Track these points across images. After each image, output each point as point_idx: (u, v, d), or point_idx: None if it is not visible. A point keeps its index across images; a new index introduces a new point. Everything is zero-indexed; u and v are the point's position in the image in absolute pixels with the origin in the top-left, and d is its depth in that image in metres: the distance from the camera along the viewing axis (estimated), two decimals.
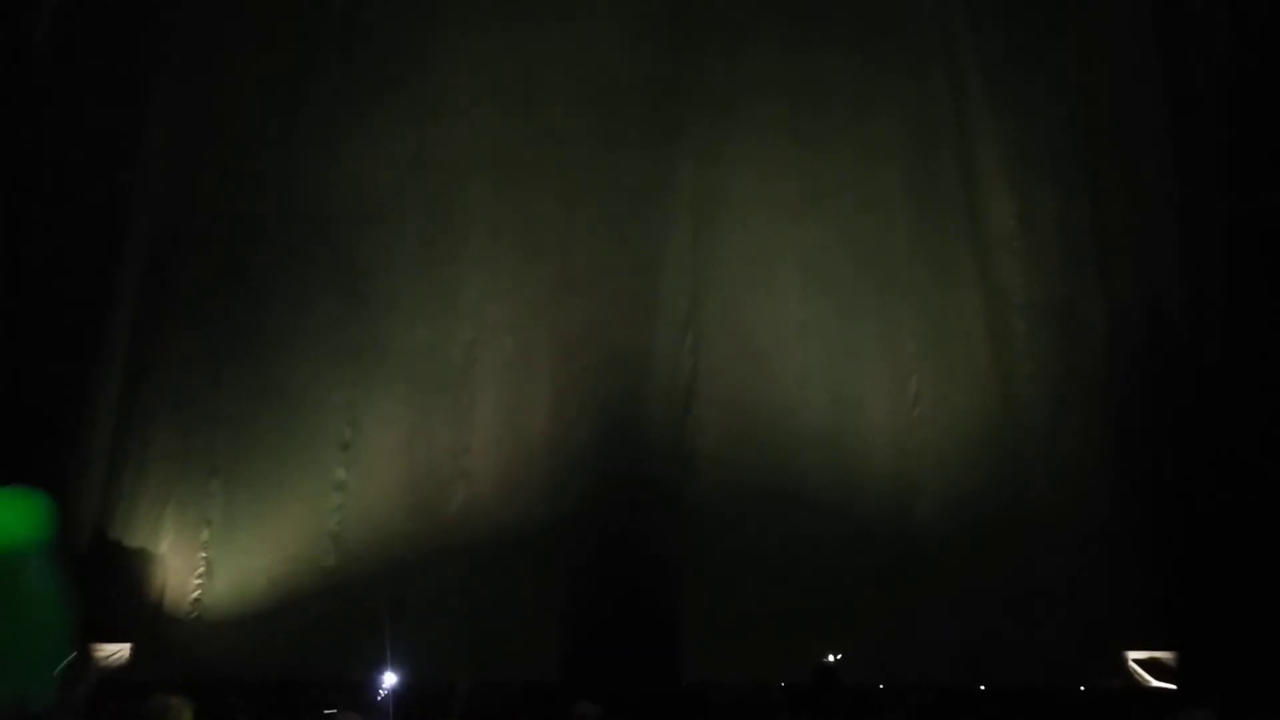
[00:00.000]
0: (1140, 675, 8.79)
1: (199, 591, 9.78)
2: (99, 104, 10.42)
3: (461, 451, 9.97)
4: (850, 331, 9.94)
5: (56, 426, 9.78)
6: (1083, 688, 8.71)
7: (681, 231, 10.19)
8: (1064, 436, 9.35)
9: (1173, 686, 8.62)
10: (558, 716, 5.80)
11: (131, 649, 9.41)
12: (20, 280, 10.04)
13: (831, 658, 8.45)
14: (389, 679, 7.45)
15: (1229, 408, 8.89)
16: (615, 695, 6.78)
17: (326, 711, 5.24)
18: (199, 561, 9.84)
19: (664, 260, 10.14)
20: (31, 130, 10.29)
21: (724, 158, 10.25)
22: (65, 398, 9.88)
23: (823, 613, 8.99)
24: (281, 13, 10.74)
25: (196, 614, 9.72)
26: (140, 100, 10.55)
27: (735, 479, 9.59)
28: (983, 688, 8.69)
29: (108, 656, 9.33)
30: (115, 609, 9.42)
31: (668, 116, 10.28)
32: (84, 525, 9.64)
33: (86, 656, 9.15)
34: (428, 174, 10.41)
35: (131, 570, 9.66)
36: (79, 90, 10.42)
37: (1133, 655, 8.85)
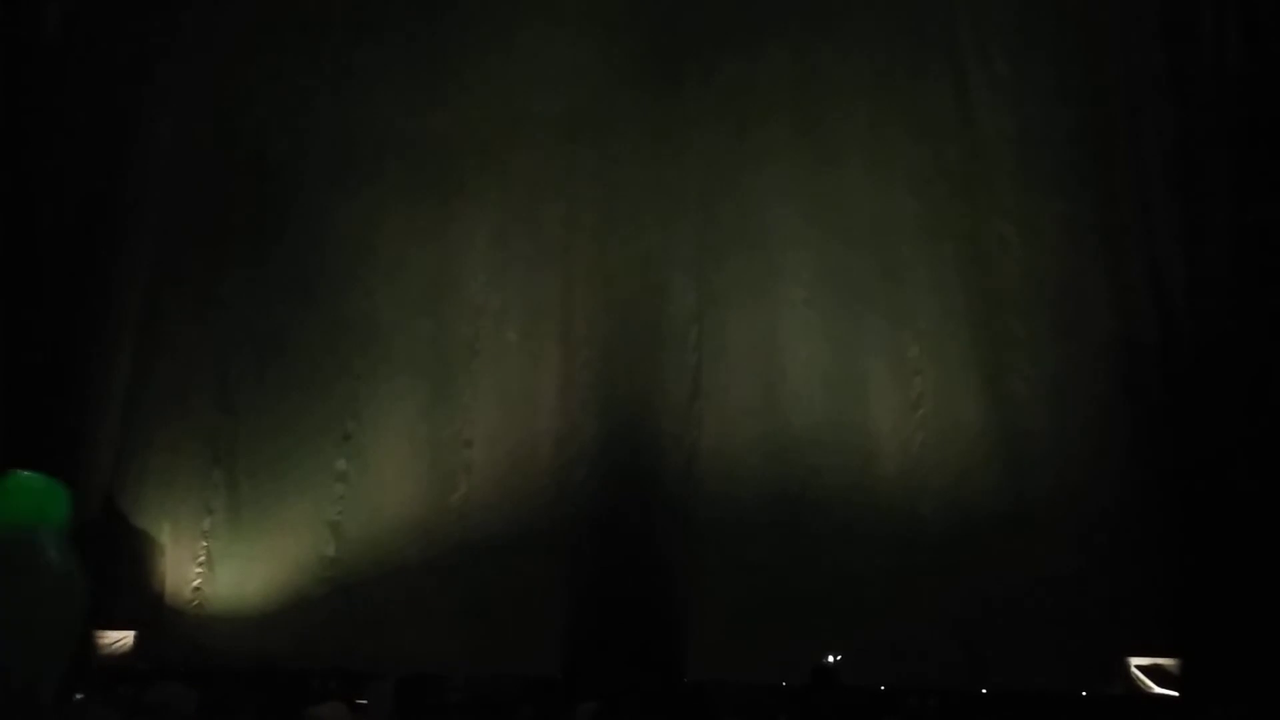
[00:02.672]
0: (1143, 682, 8.75)
1: (200, 580, 9.78)
2: (104, 97, 10.42)
3: (464, 445, 9.95)
4: (854, 332, 9.91)
5: (62, 415, 9.80)
6: (1084, 693, 8.70)
7: (688, 228, 10.16)
8: (1066, 440, 9.30)
9: (1175, 694, 8.59)
10: (559, 711, 5.80)
11: (135, 637, 9.42)
12: (26, 269, 10.04)
13: (831, 658, 8.45)
14: (389, 669, 7.45)
15: (1234, 411, 8.87)
16: (616, 691, 6.78)
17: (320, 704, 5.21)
18: (200, 550, 9.85)
19: (670, 256, 10.12)
20: (39, 119, 10.28)
21: (731, 157, 10.22)
22: (71, 386, 9.90)
23: (824, 613, 8.96)
24: (287, 5, 10.73)
25: (197, 602, 9.74)
26: (146, 92, 10.55)
27: (738, 476, 9.57)
28: (984, 691, 8.69)
29: (112, 644, 9.34)
30: (119, 597, 9.44)
31: (674, 114, 10.25)
32: (88, 512, 9.64)
33: (89, 643, 9.17)
34: (433, 168, 10.38)
35: (135, 558, 9.66)
36: (83, 81, 10.42)
37: (1135, 661, 8.81)
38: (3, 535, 3.09)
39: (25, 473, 3.23)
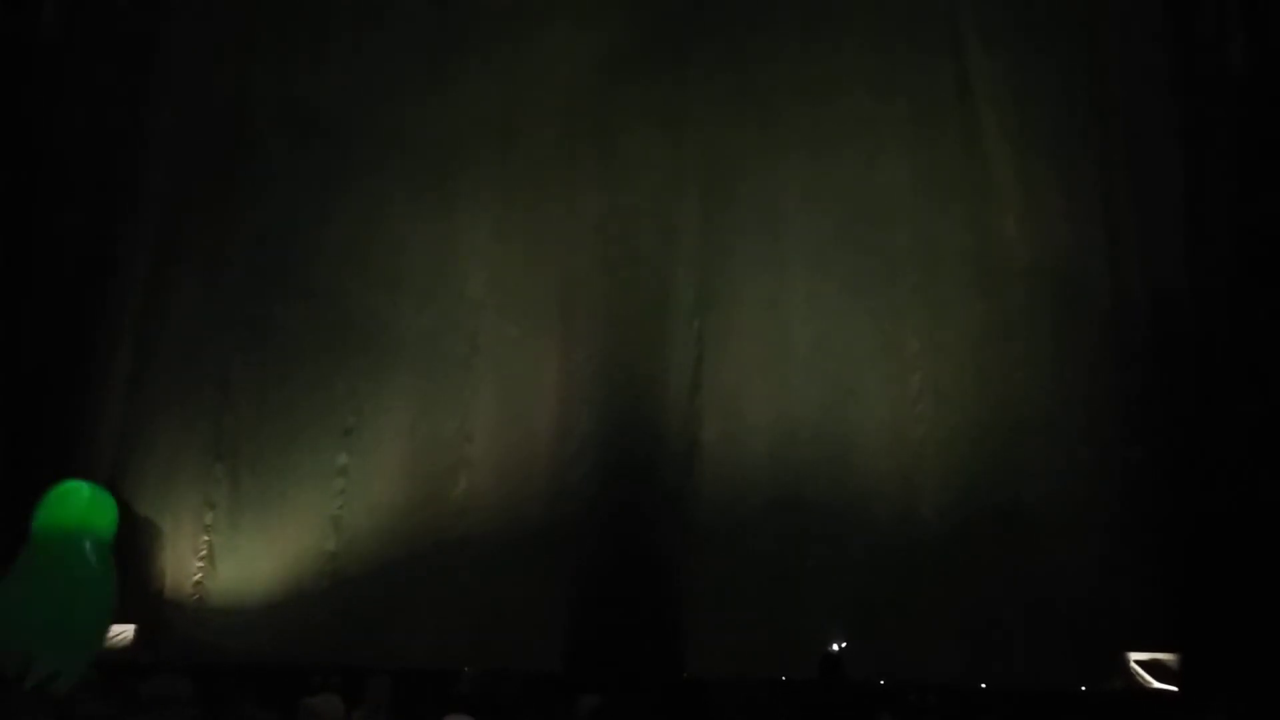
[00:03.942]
0: (1142, 677, 8.77)
1: (201, 574, 9.80)
2: (103, 90, 10.43)
3: (464, 440, 9.97)
4: (854, 328, 9.92)
5: (65, 409, 9.81)
6: (1083, 688, 8.70)
7: (689, 224, 10.17)
8: (1066, 435, 9.31)
9: (1175, 689, 8.60)
10: (561, 707, 5.81)
11: (135, 630, 9.43)
12: (28, 263, 10.05)
13: (837, 646, 8.48)
14: (389, 663, 7.45)
15: (1234, 406, 8.86)
16: (617, 686, 6.79)
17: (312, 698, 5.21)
18: (201, 544, 9.86)
19: (671, 252, 10.12)
20: (38, 115, 10.29)
21: (731, 152, 10.23)
22: (74, 381, 9.91)
23: (823, 608, 8.99)
24: (289, 7, 10.74)
25: (198, 596, 9.76)
26: (145, 86, 10.55)
27: (739, 470, 9.58)
28: (983, 686, 8.69)
29: (112, 638, 9.34)
30: (120, 590, 9.42)
31: (674, 109, 10.25)
32: None
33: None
34: (433, 162, 10.38)
35: (136, 552, 9.67)
36: (83, 73, 10.43)
37: (1134, 656, 8.82)
38: (49, 539, 3.17)
39: (74, 481, 3.32)
